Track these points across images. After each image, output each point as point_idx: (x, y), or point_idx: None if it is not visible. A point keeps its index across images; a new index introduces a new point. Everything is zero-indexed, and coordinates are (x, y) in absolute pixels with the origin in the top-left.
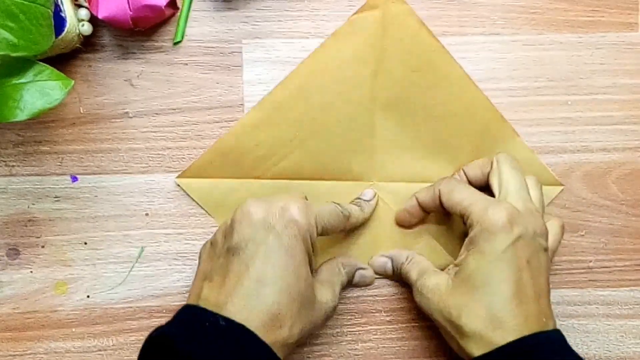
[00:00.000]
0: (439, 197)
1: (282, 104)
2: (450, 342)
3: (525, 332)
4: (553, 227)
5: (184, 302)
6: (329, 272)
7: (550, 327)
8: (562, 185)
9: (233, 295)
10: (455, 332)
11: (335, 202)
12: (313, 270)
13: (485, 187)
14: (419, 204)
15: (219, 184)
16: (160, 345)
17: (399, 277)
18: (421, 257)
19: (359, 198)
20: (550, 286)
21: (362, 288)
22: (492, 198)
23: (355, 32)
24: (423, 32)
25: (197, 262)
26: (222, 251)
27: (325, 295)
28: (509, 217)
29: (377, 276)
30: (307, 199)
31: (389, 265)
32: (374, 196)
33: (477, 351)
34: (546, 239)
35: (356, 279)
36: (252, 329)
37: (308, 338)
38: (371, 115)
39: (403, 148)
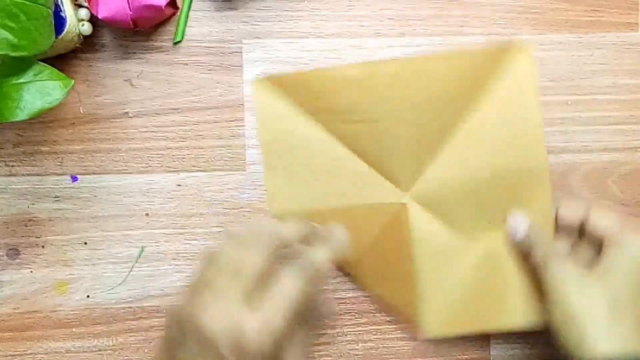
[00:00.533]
0: (585, 218)
1: (380, 78)
2: (558, 336)
3: None
4: None
5: None
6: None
7: None
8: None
9: None
10: (571, 328)
11: (294, 270)
12: None
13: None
14: (557, 217)
15: (287, 110)
16: None
17: (523, 248)
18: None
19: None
20: None
21: (362, 288)
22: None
23: (476, 62)
24: (532, 100)
25: (192, 274)
26: (173, 352)
27: None
28: None
29: None
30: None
31: (522, 228)
32: (343, 232)
33: (606, 349)
34: None
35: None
36: None
37: None
38: (442, 139)
39: (452, 186)
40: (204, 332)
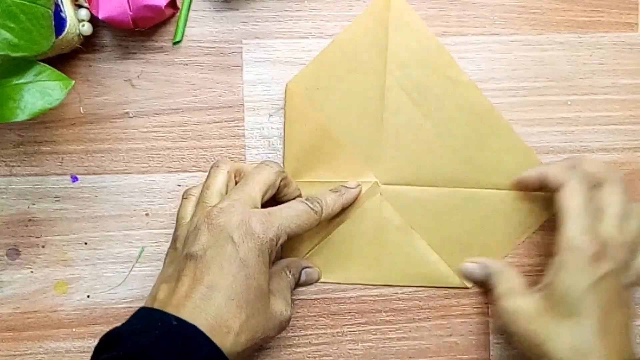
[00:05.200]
0: (559, 186)
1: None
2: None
3: None
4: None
5: None
6: (276, 280)
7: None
8: None
9: (185, 298)
10: (538, 357)
11: (305, 199)
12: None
13: None
14: (541, 176)
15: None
16: (110, 341)
17: (486, 285)
18: (512, 271)
19: (344, 185)
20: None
21: (362, 287)
22: (589, 224)
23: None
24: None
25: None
26: (182, 255)
27: (279, 305)
28: (598, 251)
29: (320, 280)
30: (282, 177)
31: (477, 272)
32: (358, 186)
33: None
34: (633, 274)
35: (302, 278)
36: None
37: (260, 346)
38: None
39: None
40: (219, 224)
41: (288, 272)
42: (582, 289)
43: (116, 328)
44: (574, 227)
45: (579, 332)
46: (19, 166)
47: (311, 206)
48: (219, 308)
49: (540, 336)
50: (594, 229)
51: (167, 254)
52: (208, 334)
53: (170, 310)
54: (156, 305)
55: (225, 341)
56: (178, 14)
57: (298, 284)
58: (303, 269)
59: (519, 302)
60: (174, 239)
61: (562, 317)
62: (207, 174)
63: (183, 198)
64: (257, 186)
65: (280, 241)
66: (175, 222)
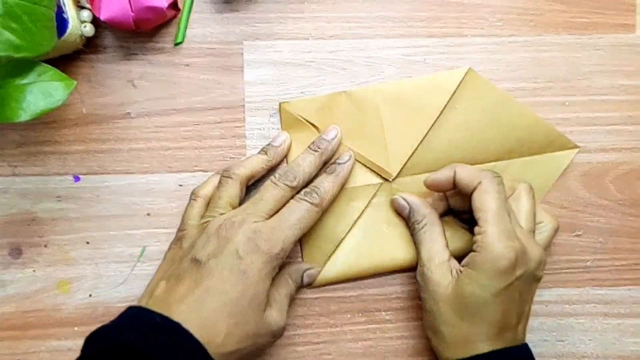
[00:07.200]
0: (472, 189)
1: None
2: (428, 333)
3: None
4: (546, 228)
5: None
6: (277, 289)
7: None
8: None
9: (181, 298)
10: (435, 333)
11: (303, 193)
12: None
13: None
14: (454, 181)
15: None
16: (96, 338)
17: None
18: (437, 227)
19: (336, 162)
20: (549, 285)
21: (363, 287)
22: (509, 227)
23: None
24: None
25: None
26: (187, 258)
27: (273, 315)
28: (515, 258)
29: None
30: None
31: (406, 212)
32: (350, 157)
33: (450, 356)
34: (542, 269)
35: (305, 280)
36: (186, 328)
37: (254, 355)
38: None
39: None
40: (227, 237)
41: (290, 280)
42: (491, 294)
43: (102, 325)
44: (494, 231)
45: (477, 325)
46: (21, 166)
47: (311, 201)
48: (210, 311)
49: (443, 316)
50: (513, 233)
51: (169, 249)
52: (196, 333)
53: (165, 307)
54: (152, 302)
55: (211, 342)
56: (179, 15)
57: (300, 287)
58: (304, 271)
59: (437, 276)
60: (179, 238)
61: (466, 310)
62: (216, 179)
63: (191, 199)
64: (269, 205)
65: (287, 252)
66: (180, 220)
